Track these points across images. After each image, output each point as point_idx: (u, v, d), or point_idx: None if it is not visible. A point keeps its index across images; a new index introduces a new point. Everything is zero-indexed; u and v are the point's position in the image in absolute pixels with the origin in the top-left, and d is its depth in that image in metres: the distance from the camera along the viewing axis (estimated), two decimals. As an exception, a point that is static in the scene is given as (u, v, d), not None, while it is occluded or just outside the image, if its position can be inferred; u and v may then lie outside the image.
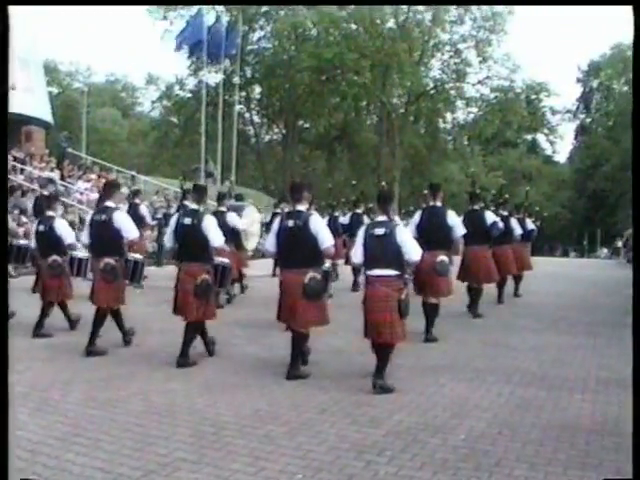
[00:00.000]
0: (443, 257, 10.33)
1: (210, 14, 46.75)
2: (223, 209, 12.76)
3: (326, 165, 66.05)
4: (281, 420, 6.32)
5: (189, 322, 8.70)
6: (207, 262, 8.88)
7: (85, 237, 9.74)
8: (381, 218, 7.91)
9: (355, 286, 15.45)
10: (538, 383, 7.95)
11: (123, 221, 9.48)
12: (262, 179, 62.31)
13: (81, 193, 26.44)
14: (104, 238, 9.34)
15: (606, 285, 20.57)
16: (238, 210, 13.48)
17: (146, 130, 69.00)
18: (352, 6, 54.24)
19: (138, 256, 10.19)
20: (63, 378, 7.61)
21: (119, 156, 58.71)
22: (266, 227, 16.28)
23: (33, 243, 11.09)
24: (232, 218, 12.42)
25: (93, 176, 29.88)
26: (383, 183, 36.69)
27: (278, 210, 18.86)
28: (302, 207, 8.22)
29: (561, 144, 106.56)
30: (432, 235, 10.36)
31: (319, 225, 8.09)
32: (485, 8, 56.85)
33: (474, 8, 56.96)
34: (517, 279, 16.00)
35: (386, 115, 58.65)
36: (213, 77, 52.74)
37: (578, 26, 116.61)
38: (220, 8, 54.13)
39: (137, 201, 16.74)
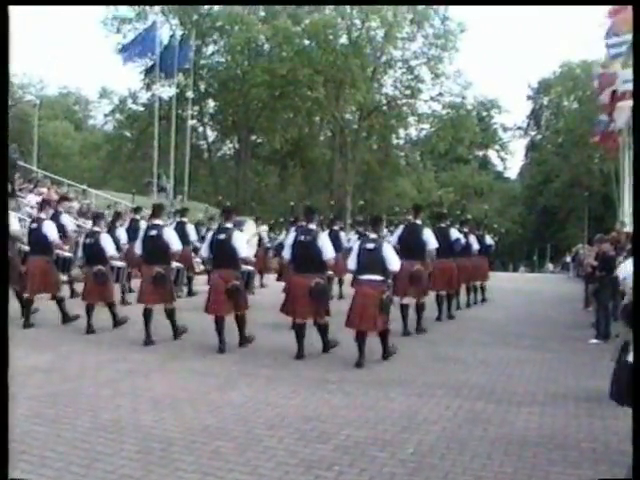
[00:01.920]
0: (419, 266, 12.26)
1: (164, 28, 46.65)
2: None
3: (279, 180, 66.03)
4: (229, 436, 6.29)
5: (220, 317, 10.50)
6: (236, 269, 10.80)
7: (138, 249, 11.56)
8: (372, 236, 10.17)
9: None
10: (486, 397, 8.00)
11: (171, 236, 11.54)
12: (215, 194, 61.92)
13: (32, 207, 26.05)
14: (155, 250, 11.21)
15: (554, 299, 20.82)
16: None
17: (98, 144, 68.29)
18: (307, 21, 54.46)
19: (180, 265, 12.74)
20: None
21: (71, 170, 57.88)
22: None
23: (79, 254, 12.93)
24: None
25: (44, 190, 29.44)
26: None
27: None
28: (313, 226, 10.40)
29: (512, 160, 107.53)
30: (410, 247, 12.32)
31: (324, 241, 10.30)
32: (437, 25, 57.50)
33: (426, 25, 57.52)
34: (478, 288, 17.60)
35: (339, 130, 58.87)
36: (167, 91, 52.64)
37: (529, 44, 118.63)
38: (174, 22, 54.04)
39: (184, 219, 17.71)
